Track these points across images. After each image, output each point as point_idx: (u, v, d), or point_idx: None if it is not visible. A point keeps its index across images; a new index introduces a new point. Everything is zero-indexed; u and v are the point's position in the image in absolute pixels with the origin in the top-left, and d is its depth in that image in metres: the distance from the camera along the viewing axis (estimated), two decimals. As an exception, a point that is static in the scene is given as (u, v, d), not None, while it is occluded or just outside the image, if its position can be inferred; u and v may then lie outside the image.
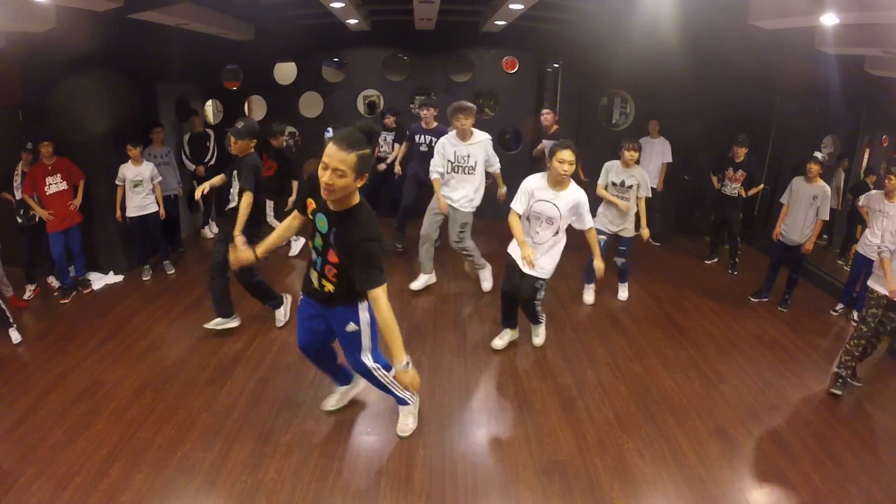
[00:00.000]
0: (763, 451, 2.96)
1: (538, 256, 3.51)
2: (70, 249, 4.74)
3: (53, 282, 4.91)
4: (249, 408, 3.21)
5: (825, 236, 5.89)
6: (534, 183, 3.56)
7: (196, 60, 6.27)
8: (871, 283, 3.55)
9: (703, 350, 4.03)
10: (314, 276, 2.55)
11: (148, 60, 5.43)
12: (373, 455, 2.87)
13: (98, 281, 5.05)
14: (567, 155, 3.38)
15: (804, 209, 4.44)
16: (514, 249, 3.61)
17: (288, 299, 4.29)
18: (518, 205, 3.57)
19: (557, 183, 3.47)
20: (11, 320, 3.98)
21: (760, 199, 6.41)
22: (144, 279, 5.16)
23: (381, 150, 6.17)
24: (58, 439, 2.92)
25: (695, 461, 2.86)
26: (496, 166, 4.67)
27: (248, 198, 3.60)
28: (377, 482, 2.68)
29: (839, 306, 4.76)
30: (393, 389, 2.86)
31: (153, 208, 5.03)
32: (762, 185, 5.83)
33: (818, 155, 4.59)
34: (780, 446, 3.01)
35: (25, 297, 4.69)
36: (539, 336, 4.01)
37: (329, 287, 2.50)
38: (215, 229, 6.43)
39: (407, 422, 3.01)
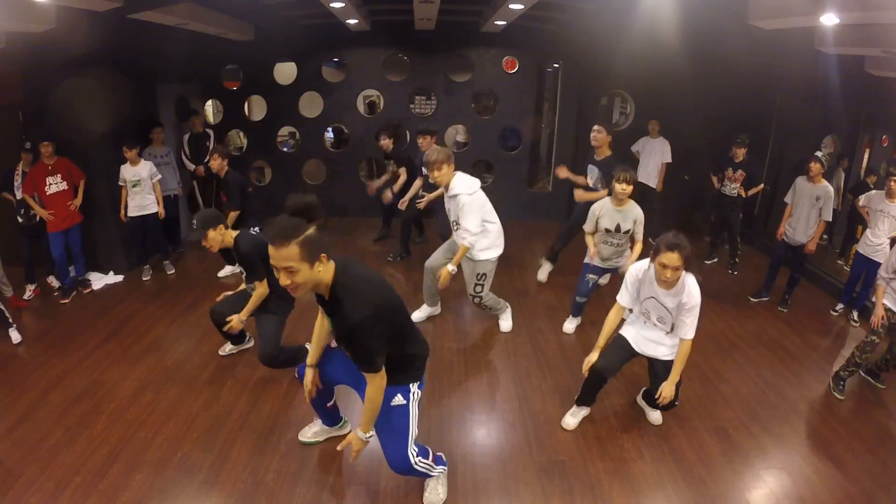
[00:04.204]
0: (763, 451, 2.96)
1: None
2: (70, 249, 4.74)
3: (53, 282, 4.92)
4: (249, 408, 3.21)
5: (825, 236, 5.87)
6: (639, 273, 2.97)
7: (196, 60, 6.27)
8: (889, 303, 3.38)
9: (703, 350, 4.02)
10: None
11: (148, 60, 5.43)
12: (373, 455, 2.86)
13: (98, 281, 5.06)
14: (672, 259, 2.64)
15: (807, 209, 4.42)
16: (629, 331, 3.05)
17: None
18: (625, 297, 3.01)
19: (660, 281, 2.84)
20: (11, 320, 3.98)
21: (760, 199, 6.40)
22: (144, 279, 5.17)
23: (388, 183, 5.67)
24: (58, 439, 2.92)
25: (695, 461, 2.86)
26: (465, 237, 3.62)
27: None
28: (377, 482, 2.68)
29: (839, 306, 4.76)
30: (430, 473, 2.46)
31: (153, 209, 5.03)
32: (762, 185, 5.82)
33: (819, 154, 4.56)
34: (780, 446, 3.01)
35: (25, 297, 4.69)
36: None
37: None
38: None
39: (437, 489, 2.58)
